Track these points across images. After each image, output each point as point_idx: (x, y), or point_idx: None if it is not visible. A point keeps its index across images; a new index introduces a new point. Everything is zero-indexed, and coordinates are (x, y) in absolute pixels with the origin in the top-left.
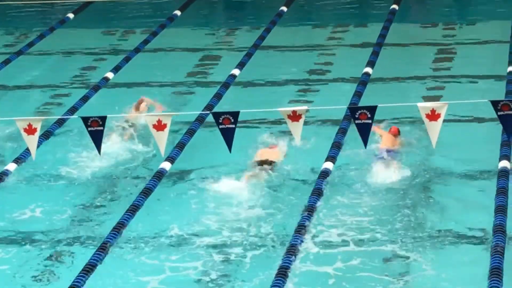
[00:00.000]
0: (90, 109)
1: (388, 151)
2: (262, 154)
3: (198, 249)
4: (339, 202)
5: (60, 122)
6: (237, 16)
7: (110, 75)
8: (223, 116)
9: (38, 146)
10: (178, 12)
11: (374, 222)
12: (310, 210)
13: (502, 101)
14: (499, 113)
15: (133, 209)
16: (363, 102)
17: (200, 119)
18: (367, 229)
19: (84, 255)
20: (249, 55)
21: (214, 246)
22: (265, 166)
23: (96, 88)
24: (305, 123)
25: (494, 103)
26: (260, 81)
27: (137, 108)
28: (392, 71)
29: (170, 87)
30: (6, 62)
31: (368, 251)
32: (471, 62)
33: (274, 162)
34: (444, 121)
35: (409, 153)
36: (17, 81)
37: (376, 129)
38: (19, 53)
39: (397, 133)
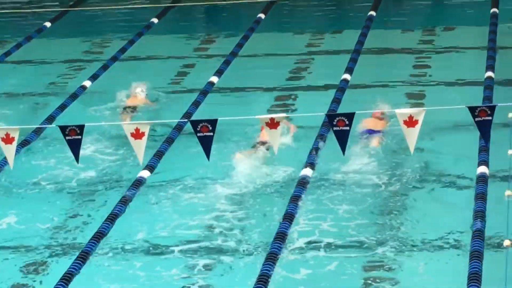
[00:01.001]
0: (68, 117)
1: (370, 131)
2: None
3: (177, 256)
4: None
5: (38, 131)
6: (215, 24)
7: (87, 83)
8: (201, 124)
9: (15, 155)
10: (155, 20)
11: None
12: (289, 217)
13: (479, 107)
14: (476, 119)
15: (112, 218)
16: (342, 109)
17: (179, 127)
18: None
19: (62, 264)
20: (227, 63)
21: (194, 252)
22: (261, 147)
23: (73, 96)
24: (283, 130)
25: (472, 109)
26: (238, 89)
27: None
28: (371, 78)
29: (148, 95)
30: None
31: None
32: (449, 68)
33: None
34: (422, 127)
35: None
36: None
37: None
38: None
39: (380, 116)
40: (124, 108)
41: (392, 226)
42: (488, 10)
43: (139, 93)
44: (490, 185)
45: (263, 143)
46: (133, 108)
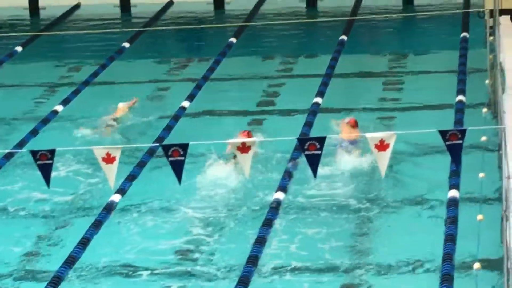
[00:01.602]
0: (39, 142)
1: (347, 141)
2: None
3: (148, 280)
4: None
5: (9, 156)
6: (187, 48)
7: (59, 108)
8: (172, 148)
9: None
10: (126, 44)
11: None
12: (260, 241)
13: (450, 130)
14: (447, 143)
15: (84, 242)
16: (313, 132)
17: (150, 152)
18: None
19: None
20: (199, 87)
21: (166, 276)
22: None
23: (45, 121)
24: (255, 154)
25: (443, 133)
26: (210, 113)
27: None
28: (342, 101)
29: (120, 119)
30: None
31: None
32: (420, 92)
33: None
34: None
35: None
36: None
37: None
38: None
39: (354, 125)
40: (96, 132)
41: (364, 250)
42: (458, 35)
43: (111, 118)
44: (462, 209)
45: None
46: (105, 132)
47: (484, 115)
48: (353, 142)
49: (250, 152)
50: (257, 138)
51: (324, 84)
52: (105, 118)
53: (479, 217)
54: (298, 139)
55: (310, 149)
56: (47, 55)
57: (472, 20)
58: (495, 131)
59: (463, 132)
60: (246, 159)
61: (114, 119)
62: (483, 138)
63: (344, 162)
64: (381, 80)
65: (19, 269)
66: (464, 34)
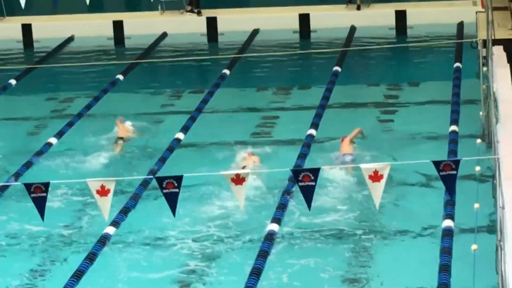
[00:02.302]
0: (33, 175)
1: (346, 154)
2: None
3: None
4: None
5: (3, 189)
6: (180, 80)
7: (53, 140)
8: (166, 181)
9: None
10: (120, 77)
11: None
12: (256, 272)
13: (444, 161)
14: (441, 173)
15: (78, 275)
16: (308, 164)
17: (145, 184)
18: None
19: None
20: (192, 119)
21: None
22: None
23: (39, 153)
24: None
25: (436, 163)
26: (204, 145)
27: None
28: (336, 133)
29: (114, 151)
30: None
31: None
32: (414, 123)
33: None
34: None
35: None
36: None
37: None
38: None
39: (349, 142)
40: (91, 164)
41: (358, 279)
42: (451, 65)
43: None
44: (456, 239)
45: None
46: (100, 164)
47: (478, 145)
48: (348, 156)
49: (245, 184)
50: (251, 170)
51: (318, 116)
52: (99, 149)
53: (474, 247)
54: (292, 171)
55: (304, 181)
56: (41, 87)
57: (465, 50)
58: (489, 161)
59: (457, 162)
60: (240, 191)
61: (121, 138)
62: (477, 168)
63: (338, 190)
64: (375, 110)
65: None
66: (457, 64)
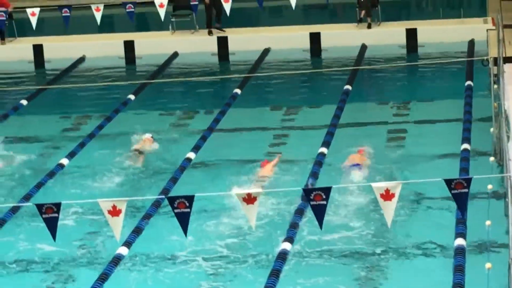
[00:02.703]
0: (45, 195)
1: (355, 165)
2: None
3: None
4: None
5: (15, 209)
6: (192, 100)
7: (65, 161)
8: (178, 200)
9: None
10: (132, 97)
11: None
12: None
13: (455, 179)
14: (453, 192)
15: None
16: (319, 182)
17: (156, 204)
18: None
19: None
20: (204, 138)
21: None
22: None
23: (51, 174)
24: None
25: (448, 182)
26: (215, 164)
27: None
28: (347, 151)
29: (126, 172)
30: None
31: None
32: (425, 141)
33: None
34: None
35: None
36: None
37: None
38: None
39: (362, 152)
40: (102, 184)
41: None
42: (463, 83)
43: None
44: (469, 257)
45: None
46: (112, 184)
47: (490, 163)
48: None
49: (256, 203)
50: (262, 189)
51: (330, 134)
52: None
53: (488, 265)
54: (304, 190)
55: (316, 200)
56: (52, 108)
57: (477, 68)
58: (501, 179)
59: (468, 180)
60: (252, 210)
61: (138, 149)
62: (490, 187)
63: (350, 207)
64: (386, 128)
65: None
66: (469, 82)
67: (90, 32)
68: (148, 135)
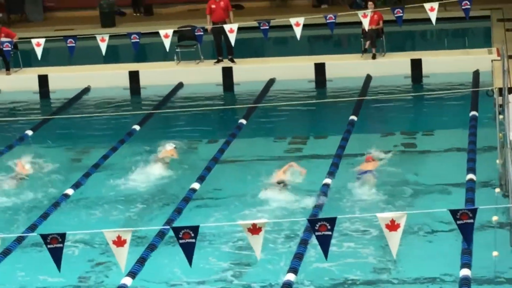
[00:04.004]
0: (50, 226)
1: (367, 171)
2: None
3: None
4: None
5: (20, 240)
6: (196, 130)
7: (70, 191)
8: (183, 231)
9: None
10: (137, 127)
11: None
12: None
13: (461, 210)
14: (458, 222)
15: None
16: (324, 213)
17: (161, 234)
18: None
19: None
20: (208, 169)
21: None
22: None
23: (56, 204)
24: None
25: (453, 212)
26: (220, 194)
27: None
28: (352, 182)
29: (131, 202)
30: None
31: None
32: (430, 171)
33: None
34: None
35: None
36: None
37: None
38: None
39: (370, 159)
40: (108, 214)
41: None
42: (467, 113)
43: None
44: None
45: None
46: (117, 215)
47: (496, 194)
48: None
49: (261, 234)
50: (267, 219)
51: (334, 165)
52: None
53: None
54: (309, 220)
55: (321, 230)
56: (57, 138)
57: (481, 98)
58: (507, 210)
59: (474, 211)
60: (257, 241)
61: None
62: (495, 218)
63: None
64: (391, 159)
65: None
66: (474, 112)
67: (95, 63)
68: (171, 146)
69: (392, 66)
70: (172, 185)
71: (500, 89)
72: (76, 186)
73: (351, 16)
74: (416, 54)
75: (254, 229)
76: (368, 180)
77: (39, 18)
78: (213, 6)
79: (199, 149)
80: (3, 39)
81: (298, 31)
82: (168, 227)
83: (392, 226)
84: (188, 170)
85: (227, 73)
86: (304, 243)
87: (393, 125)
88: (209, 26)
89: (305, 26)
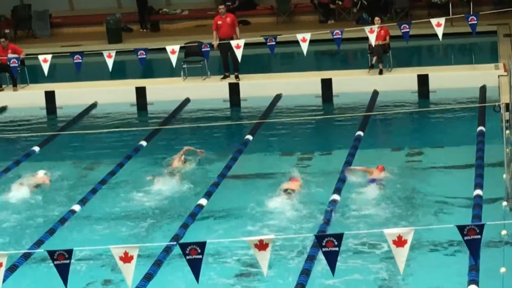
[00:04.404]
0: (56, 242)
1: (374, 180)
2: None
3: None
4: None
5: (27, 256)
6: (203, 146)
7: (77, 207)
8: (189, 247)
9: (4, 281)
10: (143, 143)
11: None
12: None
13: (468, 225)
14: (465, 238)
15: None
16: (331, 229)
17: (168, 250)
18: None
19: None
20: (215, 185)
21: None
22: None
23: (62, 220)
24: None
25: (461, 228)
26: (227, 210)
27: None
28: (359, 198)
29: (137, 219)
30: None
31: None
32: (437, 186)
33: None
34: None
35: None
36: None
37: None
38: None
39: (383, 170)
40: (114, 230)
41: None
42: (474, 129)
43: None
44: None
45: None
46: (124, 231)
47: (503, 208)
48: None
49: (268, 250)
50: (274, 235)
51: (341, 181)
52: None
53: None
54: (316, 236)
55: (328, 246)
56: (64, 154)
57: (488, 114)
58: None
59: (481, 227)
60: (264, 257)
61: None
62: (503, 232)
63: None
64: (398, 175)
65: None
66: (481, 128)
67: (102, 79)
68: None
69: (399, 82)
70: (179, 201)
71: (507, 105)
72: (82, 202)
73: (357, 31)
74: (423, 70)
75: (261, 245)
76: (375, 194)
77: (46, 34)
78: (219, 22)
79: (205, 164)
80: (10, 55)
81: (304, 47)
82: (175, 243)
83: (399, 242)
84: (195, 185)
85: (234, 88)
86: (311, 259)
87: (400, 140)
88: (215, 42)
89: (312, 41)
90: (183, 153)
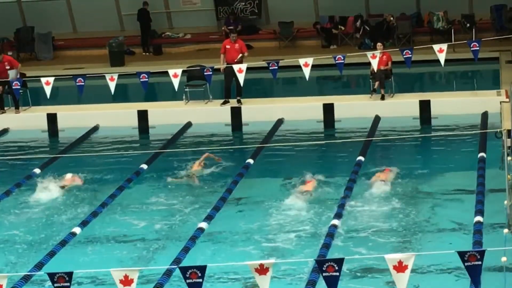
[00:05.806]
0: (57, 265)
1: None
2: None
3: None
4: None
5: (27, 278)
6: (204, 169)
7: (77, 230)
8: (190, 271)
9: None
10: (144, 166)
11: None
12: None
13: (469, 251)
14: (466, 264)
15: None
16: (331, 254)
17: (168, 273)
18: None
19: None
20: (216, 208)
21: None
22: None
23: (63, 243)
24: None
25: (461, 254)
26: (228, 234)
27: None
28: (359, 222)
29: (138, 241)
30: None
31: None
32: (438, 212)
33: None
34: (412, 272)
35: None
36: None
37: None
38: None
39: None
40: (114, 254)
41: None
42: (476, 155)
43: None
44: None
45: None
46: (124, 254)
47: (504, 235)
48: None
49: (269, 274)
50: (274, 260)
51: (341, 206)
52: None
53: None
54: (316, 261)
55: (329, 271)
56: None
57: (490, 140)
58: None
59: (482, 253)
60: (264, 281)
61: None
62: (504, 259)
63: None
64: (399, 200)
65: None
66: (482, 154)
67: (104, 102)
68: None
69: (401, 107)
70: (179, 224)
71: (509, 131)
72: (83, 224)
73: (360, 56)
74: (424, 95)
75: (262, 269)
76: (376, 220)
77: (48, 57)
78: (227, 46)
79: (206, 188)
80: (10, 71)
81: (307, 72)
82: (176, 266)
83: (400, 267)
84: (196, 209)
85: (236, 113)
86: (311, 283)
87: (401, 166)
88: (222, 66)
89: (314, 66)
90: (203, 158)
